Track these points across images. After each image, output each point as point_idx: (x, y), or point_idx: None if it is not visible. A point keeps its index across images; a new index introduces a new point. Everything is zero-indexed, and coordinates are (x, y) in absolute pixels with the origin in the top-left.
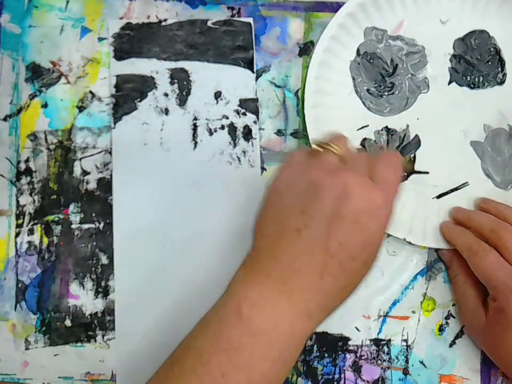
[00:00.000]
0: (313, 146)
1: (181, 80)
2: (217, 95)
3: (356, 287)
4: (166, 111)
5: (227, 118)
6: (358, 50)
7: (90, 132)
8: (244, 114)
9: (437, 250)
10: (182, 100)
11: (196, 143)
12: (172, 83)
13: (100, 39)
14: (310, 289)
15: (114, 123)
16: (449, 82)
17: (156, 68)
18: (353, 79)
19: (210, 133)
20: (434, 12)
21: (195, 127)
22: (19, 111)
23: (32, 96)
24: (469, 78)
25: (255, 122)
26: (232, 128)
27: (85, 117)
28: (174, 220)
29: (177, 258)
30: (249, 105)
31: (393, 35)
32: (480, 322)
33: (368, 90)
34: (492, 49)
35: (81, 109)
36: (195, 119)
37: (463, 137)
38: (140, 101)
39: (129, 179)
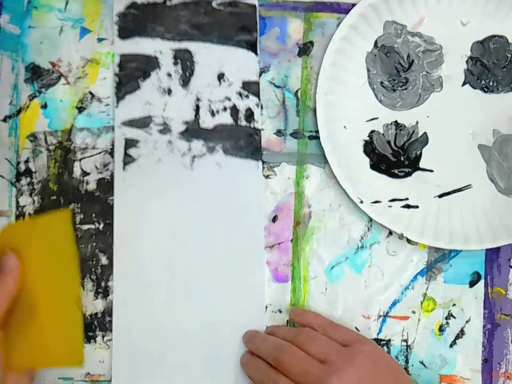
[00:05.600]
0: None
1: (185, 61)
2: (220, 76)
3: None
4: (169, 91)
5: (229, 99)
6: (375, 42)
7: (90, 133)
8: (247, 96)
9: (437, 250)
10: (185, 81)
11: (198, 124)
12: (175, 63)
13: (100, 40)
14: None
15: (117, 102)
16: (463, 84)
17: (160, 48)
18: (368, 70)
19: (213, 114)
20: (456, 12)
21: (197, 108)
22: (19, 112)
23: (32, 97)
24: (483, 82)
25: (257, 105)
26: (234, 110)
27: (84, 118)
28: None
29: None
30: (252, 88)
31: (413, 31)
32: None
33: (381, 83)
34: (509, 55)
35: (80, 109)
36: (198, 100)
37: (471, 140)
38: (143, 81)
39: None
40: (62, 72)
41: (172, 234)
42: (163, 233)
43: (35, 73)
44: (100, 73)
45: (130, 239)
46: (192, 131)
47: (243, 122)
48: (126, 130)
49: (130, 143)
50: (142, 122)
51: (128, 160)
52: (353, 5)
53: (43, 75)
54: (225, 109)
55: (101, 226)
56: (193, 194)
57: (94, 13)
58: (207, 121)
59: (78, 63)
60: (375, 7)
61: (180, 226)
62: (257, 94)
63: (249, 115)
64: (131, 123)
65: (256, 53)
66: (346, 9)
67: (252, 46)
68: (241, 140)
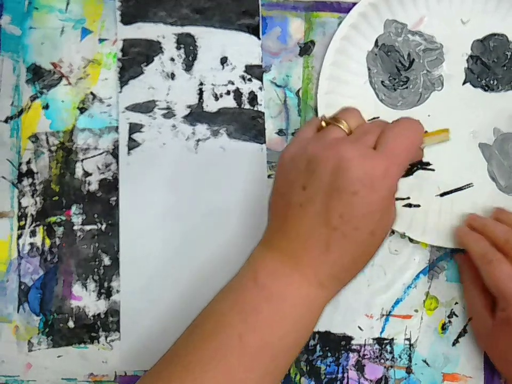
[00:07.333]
0: (322, 122)
1: (187, 45)
2: (223, 60)
3: (370, 257)
4: (172, 76)
5: (233, 83)
6: (376, 41)
7: (91, 133)
8: (250, 80)
9: (439, 248)
10: (188, 65)
11: (202, 108)
12: (178, 48)
13: (101, 40)
14: (318, 261)
15: (121, 87)
16: (464, 83)
17: (162, 33)
18: (369, 69)
19: (216, 98)
20: (456, 11)
21: (201, 92)
22: (20, 113)
23: (33, 98)
24: (484, 80)
25: (260, 88)
26: (237, 94)
27: (86, 118)
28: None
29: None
30: (255, 72)
31: (413, 30)
32: (486, 329)
33: (382, 82)
34: (509, 53)
35: (82, 110)
36: (201, 84)
37: (471, 138)
38: (146, 65)
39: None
40: (63, 72)
41: (176, 217)
42: (167, 217)
43: (36, 74)
44: (101, 73)
45: (135, 223)
46: (196, 115)
47: (246, 106)
48: (130, 115)
49: (134, 128)
50: (146, 107)
51: (132, 144)
52: (354, 4)
53: (44, 76)
54: (228, 92)
55: (103, 226)
56: (198, 178)
57: (95, 14)
58: (210, 105)
59: (79, 63)
60: (376, 6)
61: (184, 210)
62: (260, 78)
63: (253, 98)
64: (135, 108)
65: (258, 37)
66: (346, 9)
67: (254, 30)
68: (245, 123)
